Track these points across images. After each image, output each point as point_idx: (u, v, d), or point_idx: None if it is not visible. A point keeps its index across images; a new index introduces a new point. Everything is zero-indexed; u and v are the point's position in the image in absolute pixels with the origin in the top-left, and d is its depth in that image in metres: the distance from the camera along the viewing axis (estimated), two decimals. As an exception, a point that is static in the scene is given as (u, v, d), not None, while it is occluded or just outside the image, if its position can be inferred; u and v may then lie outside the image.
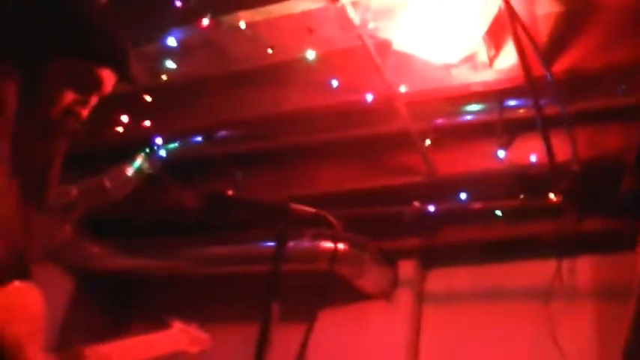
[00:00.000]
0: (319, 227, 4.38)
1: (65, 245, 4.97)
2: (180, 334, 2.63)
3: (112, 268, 5.17)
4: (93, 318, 5.27)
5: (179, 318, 5.38)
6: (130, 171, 4.45)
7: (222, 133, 4.38)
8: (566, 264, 4.27)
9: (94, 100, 1.90)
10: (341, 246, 4.39)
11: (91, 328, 5.09)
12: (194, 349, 2.73)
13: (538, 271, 4.34)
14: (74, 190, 4.52)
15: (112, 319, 5.44)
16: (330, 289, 4.56)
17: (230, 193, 2.02)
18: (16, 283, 1.97)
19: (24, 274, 2.01)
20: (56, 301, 5.07)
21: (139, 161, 4.45)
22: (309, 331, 1.75)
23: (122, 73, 1.92)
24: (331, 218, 2.03)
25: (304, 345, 1.73)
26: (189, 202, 4.52)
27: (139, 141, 4.38)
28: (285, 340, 2.16)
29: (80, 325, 5.08)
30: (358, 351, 4.70)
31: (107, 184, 4.46)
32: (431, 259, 4.91)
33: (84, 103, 1.87)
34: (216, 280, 5.22)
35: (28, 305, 2.09)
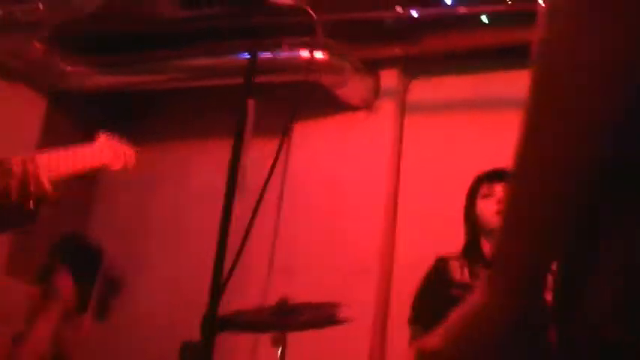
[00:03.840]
0: (296, 34, 4.30)
1: (35, 65, 4.82)
2: (104, 148, 2.53)
3: (86, 86, 5.03)
4: (68, 140, 5.16)
5: (159, 134, 5.34)
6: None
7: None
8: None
9: None
10: (320, 55, 4.28)
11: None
12: (118, 165, 2.63)
13: (525, 80, 4.21)
14: (40, 5, 4.31)
15: (88, 139, 5.34)
16: (308, 99, 4.53)
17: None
18: None
19: None
20: (29, 123, 4.96)
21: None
22: (282, 139, 1.65)
23: None
24: (310, 11, 1.88)
25: (278, 152, 1.63)
26: (163, 9, 4.34)
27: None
28: (264, 152, 2.07)
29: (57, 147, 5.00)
30: (340, 161, 4.68)
31: (74, -4, 4.25)
32: (414, 67, 4.78)
33: None
34: (193, 95, 5.12)
35: None
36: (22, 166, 1.99)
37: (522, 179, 0.90)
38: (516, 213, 0.91)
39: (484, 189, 3.05)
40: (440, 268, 3.06)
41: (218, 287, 1.49)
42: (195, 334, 1.61)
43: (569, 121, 0.83)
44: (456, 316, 0.97)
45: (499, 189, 2.99)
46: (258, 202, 1.64)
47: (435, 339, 0.97)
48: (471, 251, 3.04)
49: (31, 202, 1.99)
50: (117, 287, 4.01)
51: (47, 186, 2.02)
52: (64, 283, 3.72)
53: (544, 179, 0.87)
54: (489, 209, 2.98)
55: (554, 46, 0.85)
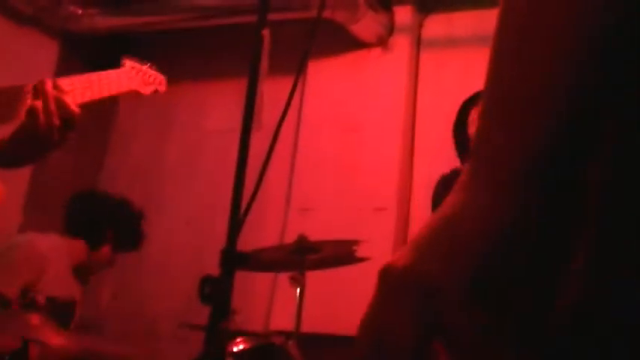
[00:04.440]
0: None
1: (46, 8, 4.78)
2: (132, 72, 2.50)
3: (98, 28, 5.01)
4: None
5: (172, 75, 5.31)
6: None
7: None
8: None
9: None
10: (334, -10, 4.23)
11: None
12: (148, 90, 2.61)
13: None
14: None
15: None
16: (323, 37, 4.47)
17: None
18: None
19: None
20: (42, 67, 4.94)
21: None
22: (297, 76, 1.62)
23: None
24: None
25: (293, 88, 1.61)
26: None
27: None
28: (278, 92, 2.04)
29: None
30: (356, 99, 4.64)
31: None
32: (428, 3, 4.72)
33: None
34: (207, 34, 5.07)
35: None
36: (42, 87, 1.95)
37: (510, 43, 0.72)
38: (503, 87, 0.72)
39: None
40: (450, 179, 2.94)
41: (236, 221, 1.48)
42: (215, 271, 1.60)
43: None
44: (429, 224, 0.73)
45: None
46: (275, 137, 1.63)
47: (403, 254, 0.72)
48: None
49: (58, 124, 1.94)
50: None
51: (73, 107, 1.98)
52: (106, 257, 3.85)
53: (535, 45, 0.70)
54: None
55: None
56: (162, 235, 4.93)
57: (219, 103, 5.07)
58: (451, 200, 0.72)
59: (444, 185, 2.93)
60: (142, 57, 5.04)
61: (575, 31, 0.69)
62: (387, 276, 0.72)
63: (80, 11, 4.90)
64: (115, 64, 2.36)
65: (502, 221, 0.69)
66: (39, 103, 1.92)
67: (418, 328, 0.70)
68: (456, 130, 3.00)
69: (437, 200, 2.95)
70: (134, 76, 2.47)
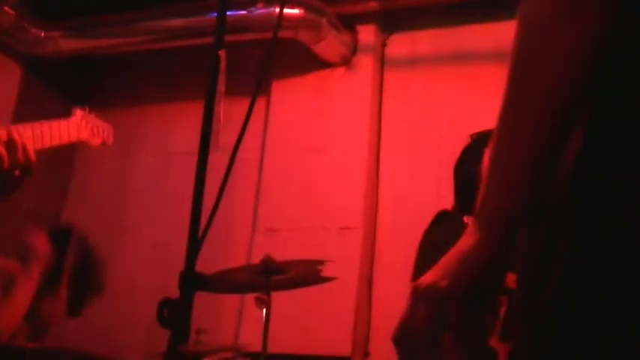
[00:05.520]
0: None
1: (8, 31, 4.75)
2: (82, 123, 2.61)
3: (62, 51, 4.98)
4: (47, 106, 5.11)
5: (137, 97, 5.30)
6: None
7: None
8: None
9: None
10: (297, 11, 4.24)
11: (46, 117, 4.97)
12: (96, 141, 2.73)
13: (506, 32, 4.18)
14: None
15: (68, 105, 5.27)
16: (287, 57, 4.50)
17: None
18: None
19: None
20: (5, 90, 4.90)
21: None
22: (254, 96, 1.61)
23: None
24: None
25: (249, 111, 1.60)
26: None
27: None
28: (243, 113, 2.04)
29: (34, 115, 4.95)
30: (320, 119, 4.65)
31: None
32: (392, 22, 4.75)
33: None
34: (172, 56, 5.07)
35: None
36: (10, 136, 2.03)
37: (506, 132, 1.08)
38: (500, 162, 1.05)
39: None
40: (448, 221, 2.57)
41: (195, 243, 1.47)
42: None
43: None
44: (449, 254, 1.08)
45: None
46: (232, 157, 1.61)
47: (428, 275, 1.08)
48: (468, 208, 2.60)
49: (18, 171, 2.04)
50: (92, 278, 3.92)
51: (33, 156, 2.08)
52: (40, 242, 3.65)
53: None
54: None
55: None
56: (128, 259, 4.89)
57: (183, 126, 5.05)
58: (464, 240, 1.07)
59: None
60: (107, 79, 5.06)
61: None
62: (416, 290, 1.08)
63: (43, 34, 4.87)
64: (77, 86, 2.44)
65: (489, 257, 1.05)
66: (3, 152, 1.99)
67: (433, 324, 1.06)
68: (461, 168, 2.69)
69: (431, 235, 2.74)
70: (84, 127, 2.61)
